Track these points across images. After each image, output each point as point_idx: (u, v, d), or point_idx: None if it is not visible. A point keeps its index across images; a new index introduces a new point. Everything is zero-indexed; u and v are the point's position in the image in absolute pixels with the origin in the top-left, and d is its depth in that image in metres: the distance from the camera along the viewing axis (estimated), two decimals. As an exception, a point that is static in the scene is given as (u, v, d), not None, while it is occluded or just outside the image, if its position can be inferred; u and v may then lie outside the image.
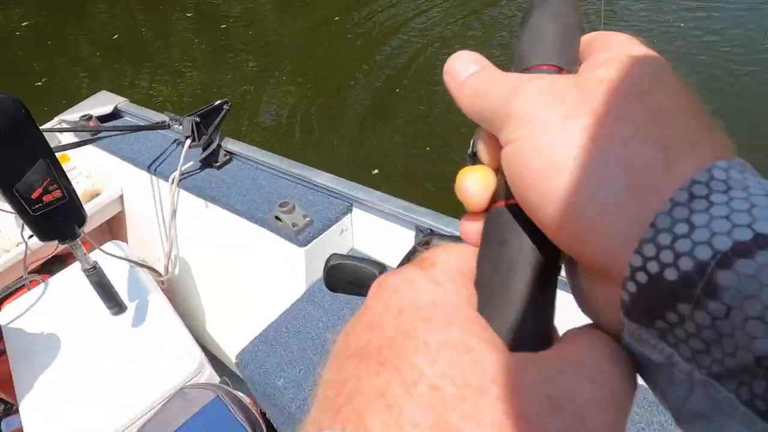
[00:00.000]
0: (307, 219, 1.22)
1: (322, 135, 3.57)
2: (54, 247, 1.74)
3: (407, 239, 1.18)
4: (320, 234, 1.22)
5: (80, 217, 1.15)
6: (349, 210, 1.27)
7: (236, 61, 4.80)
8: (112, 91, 2.16)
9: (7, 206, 1.82)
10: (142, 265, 1.54)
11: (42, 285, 1.55)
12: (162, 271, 1.71)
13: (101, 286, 1.23)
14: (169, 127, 1.68)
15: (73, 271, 1.58)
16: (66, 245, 1.16)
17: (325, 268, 0.49)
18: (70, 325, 1.38)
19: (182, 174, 1.51)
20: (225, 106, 1.55)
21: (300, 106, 3.90)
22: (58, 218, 1.11)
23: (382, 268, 0.47)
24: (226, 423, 1.11)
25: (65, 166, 1.83)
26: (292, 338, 1.13)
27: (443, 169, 2.93)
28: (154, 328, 1.32)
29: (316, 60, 4.52)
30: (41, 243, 1.73)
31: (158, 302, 1.40)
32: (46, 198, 1.09)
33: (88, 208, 1.83)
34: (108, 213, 1.91)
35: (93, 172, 2.01)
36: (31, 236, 1.74)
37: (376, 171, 3.11)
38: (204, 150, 1.52)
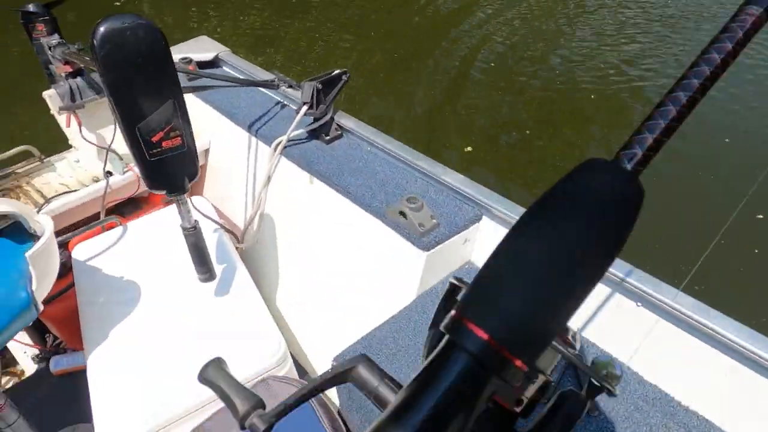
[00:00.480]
0: (434, 221, 1.09)
1: (396, 99, 3.39)
2: (134, 190, 1.65)
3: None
4: (445, 240, 1.09)
5: (193, 171, 1.04)
6: (477, 219, 1.13)
7: (304, 6, 4.60)
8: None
9: (92, 137, 1.74)
10: (225, 229, 1.44)
11: (120, 228, 1.46)
12: (239, 237, 1.61)
13: (197, 249, 1.12)
14: (277, 87, 1.56)
15: (153, 220, 1.49)
16: (171, 198, 1.05)
17: (205, 367, 0.48)
18: (148, 279, 1.28)
19: (290, 140, 1.40)
20: (343, 77, 1.42)
21: (374, 65, 3.70)
22: (172, 168, 1.00)
23: (253, 404, 0.43)
24: (310, 427, 1.00)
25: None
26: (399, 351, 1.01)
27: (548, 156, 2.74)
28: (237, 303, 1.21)
29: (398, 17, 4.28)
30: (121, 182, 1.65)
31: (241, 274, 1.29)
32: (166, 144, 0.98)
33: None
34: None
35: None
36: (110, 174, 1.66)
37: (469, 148, 2.94)
38: (316, 120, 1.39)
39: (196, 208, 1.35)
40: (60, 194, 1.63)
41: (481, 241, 1.16)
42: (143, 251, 1.38)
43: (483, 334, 0.27)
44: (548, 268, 0.27)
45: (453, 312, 0.28)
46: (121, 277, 1.30)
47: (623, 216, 0.27)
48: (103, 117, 1.77)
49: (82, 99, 1.74)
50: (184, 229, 1.09)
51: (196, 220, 1.11)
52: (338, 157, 1.34)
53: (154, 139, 0.96)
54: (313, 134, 1.43)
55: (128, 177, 1.63)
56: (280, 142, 1.39)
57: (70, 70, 1.72)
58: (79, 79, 1.74)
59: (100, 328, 1.18)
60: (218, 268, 1.28)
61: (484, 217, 1.13)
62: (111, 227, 1.48)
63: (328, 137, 1.40)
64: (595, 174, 0.28)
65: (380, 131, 1.38)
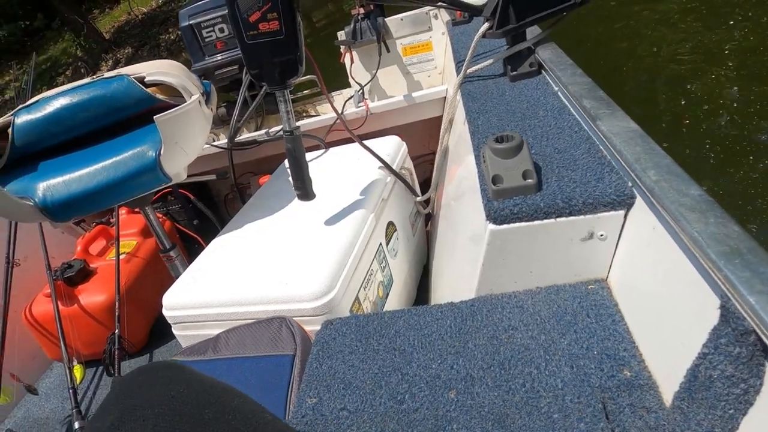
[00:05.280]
0: (529, 181, 0.64)
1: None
2: (359, 125, 1.65)
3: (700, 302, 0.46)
4: (540, 217, 0.63)
5: (290, 64, 0.92)
6: (623, 201, 0.61)
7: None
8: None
9: (359, 76, 1.83)
10: (404, 182, 1.27)
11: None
12: (422, 194, 1.40)
13: (293, 159, 1.01)
14: None
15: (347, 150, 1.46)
16: (271, 90, 0.96)
17: None
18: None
19: (467, 75, 1.10)
20: (574, -3, 1.00)
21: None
22: (266, 55, 0.91)
23: None
24: (275, 384, 0.77)
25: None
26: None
27: None
28: (316, 236, 1.05)
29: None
30: (353, 115, 1.67)
31: (357, 218, 1.09)
32: (263, 26, 0.89)
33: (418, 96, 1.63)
34: (427, 113, 1.69)
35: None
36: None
37: None
38: (510, 46, 1.04)
39: (369, 150, 1.24)
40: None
41: (629, 245, 0.62)
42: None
43: None
44: None
45: None
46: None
47: None
48: (373, 59, 1.84)
49: (361, 39, 1.86)
50: (284, 131, 1.00)
51: (297, 127, 0.99)
52: (506, 96, 0.97)
53: (252, 18, 0.89)
54: (506, 66, 1.08)
55: (359, 111, 1.65)
56: (460, 77, 1.11)
57: (363, 12, 1.86)
58: (366, 22, 1.85)
59: (232, 226, 1.23)
60: (340, 198, 1.14)
61: (638, 199, 0.60)
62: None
63: (514, 72, 1.03)
64: None
65: (585, 73, 0.91)
